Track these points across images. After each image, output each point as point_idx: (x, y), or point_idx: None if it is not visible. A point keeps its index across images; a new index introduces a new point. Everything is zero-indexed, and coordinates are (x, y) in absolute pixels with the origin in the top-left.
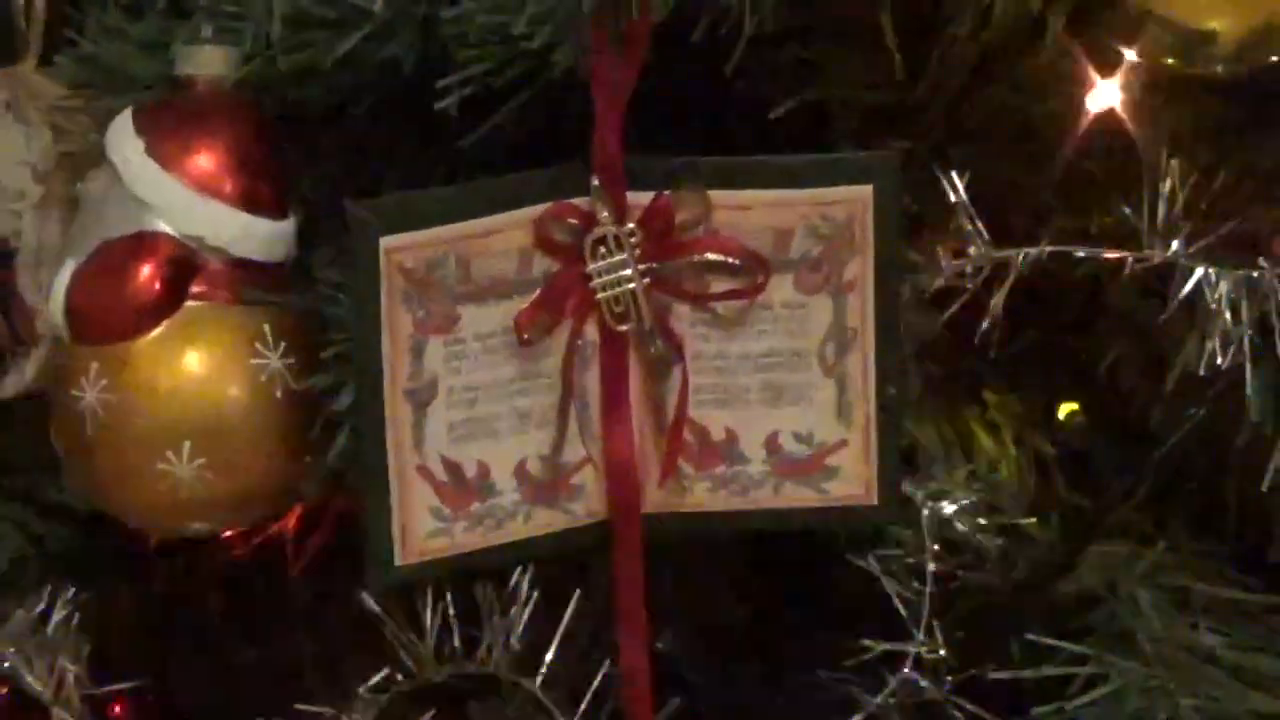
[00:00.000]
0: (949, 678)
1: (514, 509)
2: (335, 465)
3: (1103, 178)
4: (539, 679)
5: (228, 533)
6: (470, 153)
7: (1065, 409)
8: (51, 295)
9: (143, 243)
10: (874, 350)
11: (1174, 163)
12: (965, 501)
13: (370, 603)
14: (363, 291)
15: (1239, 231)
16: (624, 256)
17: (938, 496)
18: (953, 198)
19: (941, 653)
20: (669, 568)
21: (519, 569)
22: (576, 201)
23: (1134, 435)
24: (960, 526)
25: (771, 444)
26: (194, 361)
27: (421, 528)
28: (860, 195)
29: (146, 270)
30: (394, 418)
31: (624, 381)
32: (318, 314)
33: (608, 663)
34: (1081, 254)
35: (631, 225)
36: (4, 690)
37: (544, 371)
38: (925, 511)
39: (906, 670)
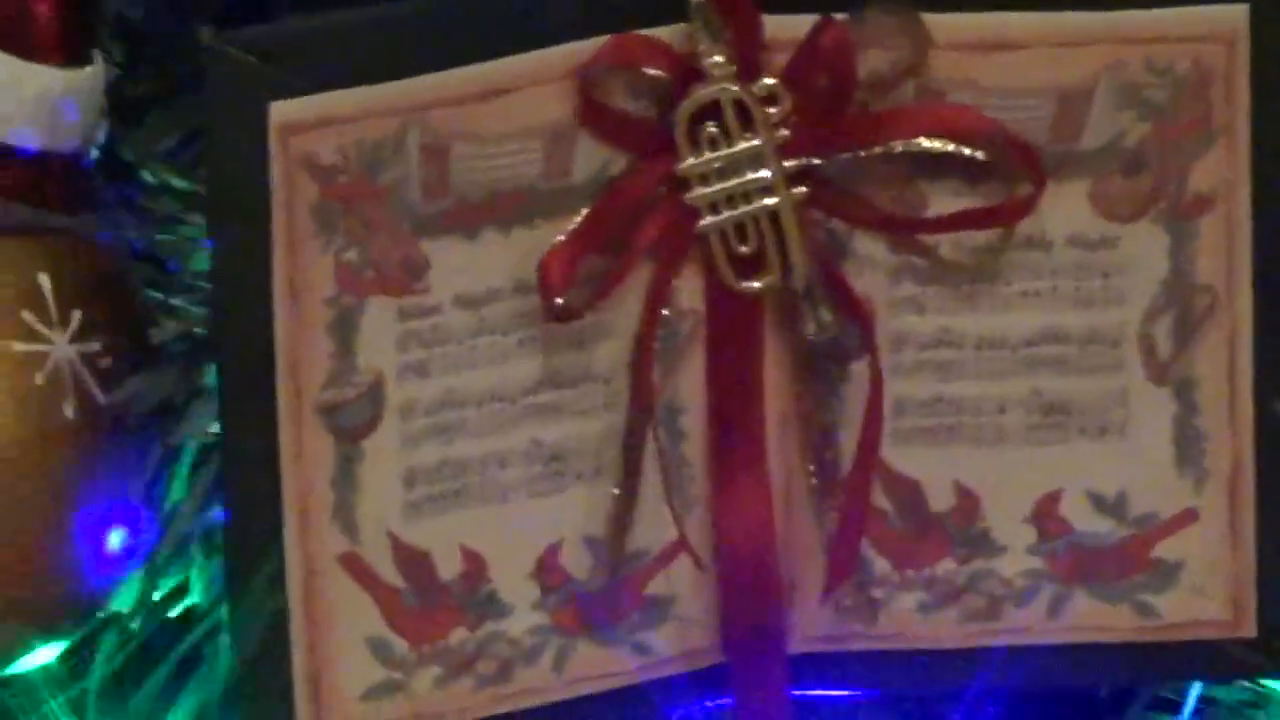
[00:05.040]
0: None
1: (536, 643)
2: (176, 556)
3: None
4: None
5: None
6: None
7: None
8: None
9: None
10: (1251, 334)
11: None
12: None
13: None
14: (234, 211)
15: None
16: (757, 143)
17: None
18: None
19: None
20: None
21: None
22: (659, 33)
23: None
24: None
25: (1047, 516)
26: None
27: (351, 678)
28: (1226, 23)
29: None
30: (298, 460)
31: (755, 391)
32: (146, 257)
33: None
34: None
35: (772, 81)
36: None
37: (595, 370)
38: None
39: None
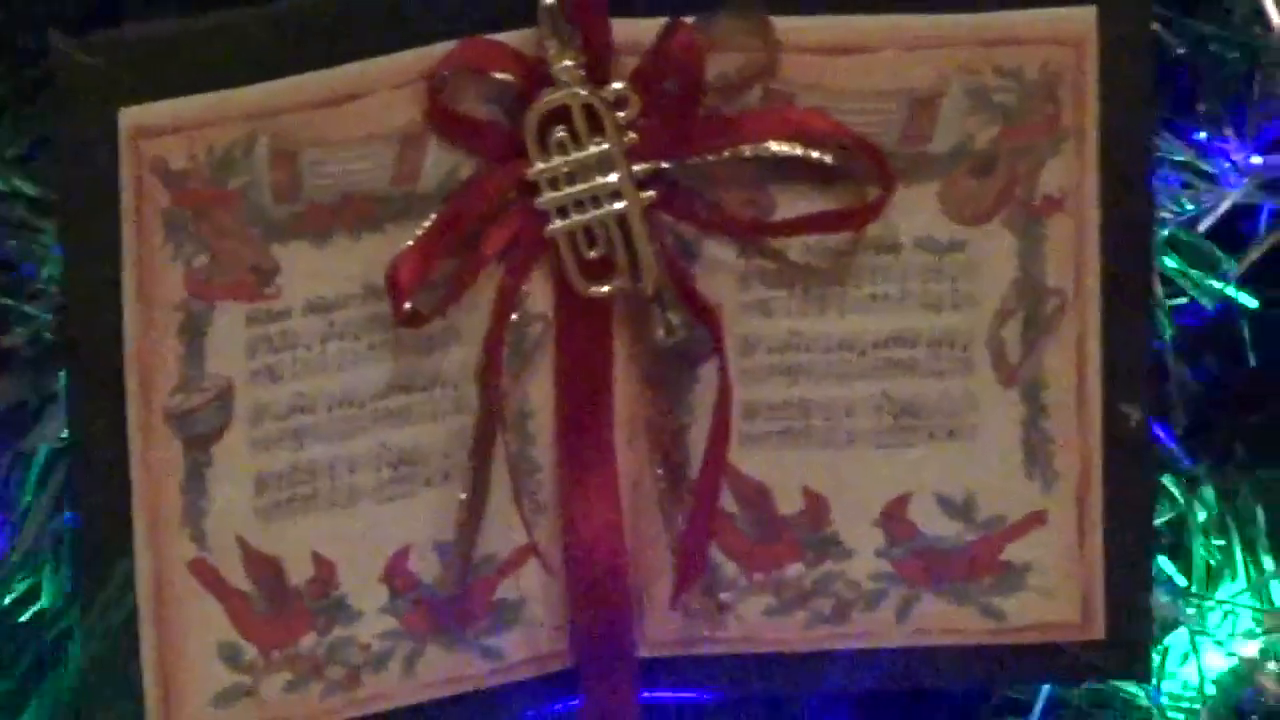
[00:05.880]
0: None
1: (385, 648)
2: (26, 561)
3: None
4: None
5: None
6: None
7: None
8: None
9: None
10: (1100, 336)
11: None
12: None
13: None
14: (84, 216)
15: None
16: (606, 148)
17: (1223, 628)
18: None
19: None
20: None
21: None
22: (507, 38)
23: None
24: (1271, 686)
25: (895, 519)
26: None
27: (202, 683)
28: (1073, 26)
29: None
30: (147, 467)
31: (604, 395)
32: None
33: None
34: None
35: (620, 85)
36: None
37: (444, 375)
38: (1200, 656)
39: None
